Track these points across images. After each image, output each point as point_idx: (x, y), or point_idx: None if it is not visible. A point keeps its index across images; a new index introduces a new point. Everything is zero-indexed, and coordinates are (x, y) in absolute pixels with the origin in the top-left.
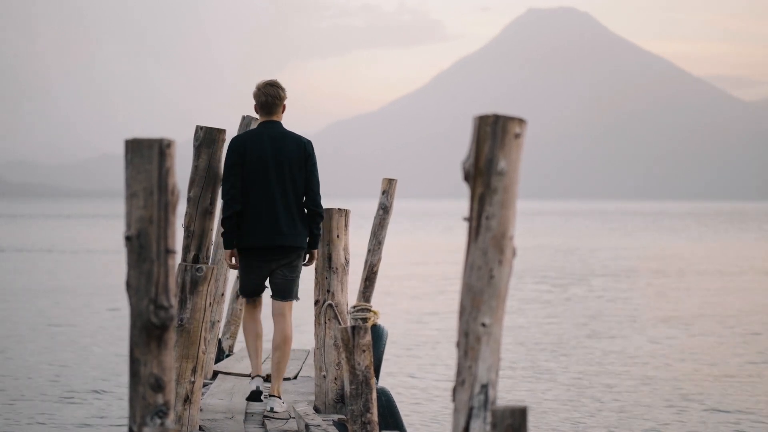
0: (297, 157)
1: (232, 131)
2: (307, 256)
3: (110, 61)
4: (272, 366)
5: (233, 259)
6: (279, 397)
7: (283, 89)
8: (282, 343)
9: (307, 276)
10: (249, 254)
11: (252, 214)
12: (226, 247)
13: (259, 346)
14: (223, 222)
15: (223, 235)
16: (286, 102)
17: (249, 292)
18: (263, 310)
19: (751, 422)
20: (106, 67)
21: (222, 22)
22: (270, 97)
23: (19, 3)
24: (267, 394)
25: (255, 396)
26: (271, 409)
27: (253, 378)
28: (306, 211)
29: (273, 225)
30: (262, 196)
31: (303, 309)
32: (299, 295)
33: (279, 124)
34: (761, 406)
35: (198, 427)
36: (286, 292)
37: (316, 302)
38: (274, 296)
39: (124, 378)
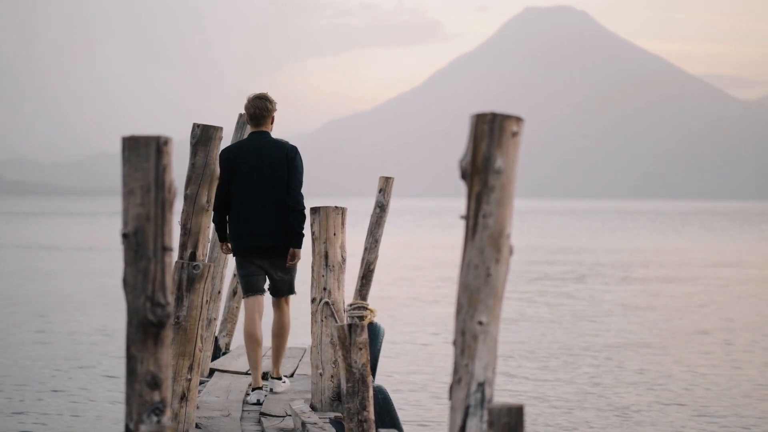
0: (280, 163)
1: (230, 130)
2: (288, 255)
3: (110, 61)
4: (272, 352)
5: (226, 247)
6: (279, 378)
7: (271, 102)
8: (279, 332)
9: (304, 274)
10: (242, 254)
11: (242, 218)
12: (219, 240)
13: (259, 356)
14: (214, 224)
15: (215, 230)
16: (275, 114)
17: (249, 286)
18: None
19: (750, 425)
20: (105, 66)
21: (221, 21)
22: (258, 109)
23: (19, 3)
24: (269, 376)
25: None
26: (271, 390)
27: (253, 390)
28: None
29: (260, 228)
30: (250, 201)
31: (300, 307)
32: (295, 290)
33: (267, 134)
34: (760, 409)
35: (194, 425)
36: (282, 291)
37: (313, 300)
38: (272, 294)
39: (121, 375)
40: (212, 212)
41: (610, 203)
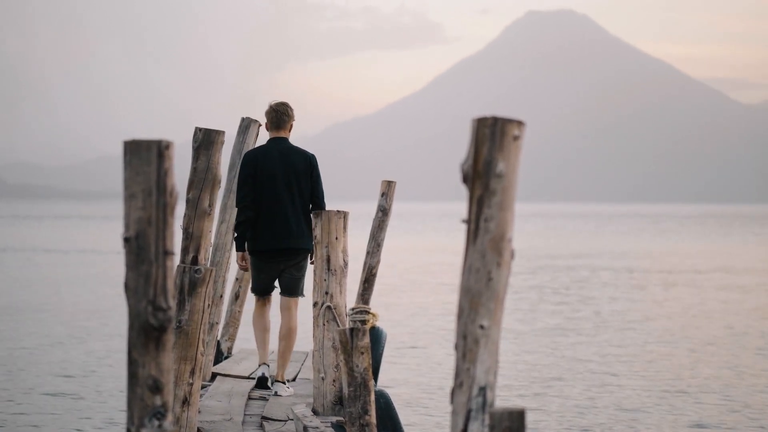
0: (303, 169)
1: (231, 133)
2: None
3: (110, 62)
4: (278, 355)
5: (245, 261)
6: (284, 383)
7: (292, 110)
8: (287, 334)
9: (306, 279)
10: (261, 256)
11: (264, 220)
12: (237, 250)
13: (267, 338)
14: (237, 227)
15: (235, 239)
16: (293, 122)
17: (260, 290)
18: (272, 307)
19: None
20: (105, 68)
21: (221, 23)
22: (279, 113)
23: (18, 4)
24: (273, 380)
25: (262, 382)
26: (276, 393)
27: (260, 365)
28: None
29: (282, 230)
30: (273, 204)
31: (302, 311)
32: (304, 293)
33: (286, 140)
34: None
35: (196, 429)
36: (293, 289)
37: (315, 304)
38: (282, 293)
39: (122, 379)
40: (215, 214)
41: (611, 207)
